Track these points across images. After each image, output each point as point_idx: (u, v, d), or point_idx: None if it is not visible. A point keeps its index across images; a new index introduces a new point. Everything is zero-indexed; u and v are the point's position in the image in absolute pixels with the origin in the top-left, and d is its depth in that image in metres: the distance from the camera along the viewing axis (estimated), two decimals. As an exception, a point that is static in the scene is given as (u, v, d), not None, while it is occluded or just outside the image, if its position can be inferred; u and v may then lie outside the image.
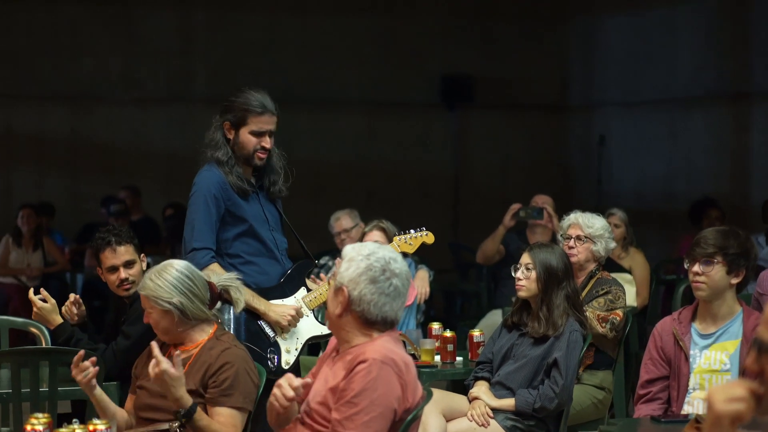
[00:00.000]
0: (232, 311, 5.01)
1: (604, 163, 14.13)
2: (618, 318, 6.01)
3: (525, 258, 5.57)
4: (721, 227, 4.97)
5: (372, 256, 3.77)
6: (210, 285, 4.56)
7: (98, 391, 4.36)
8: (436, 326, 6.13)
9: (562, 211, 9.14)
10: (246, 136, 5.32)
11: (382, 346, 3.74)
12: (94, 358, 4.32)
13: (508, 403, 5.36)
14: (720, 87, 12.78)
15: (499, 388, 5.45)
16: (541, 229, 8.93)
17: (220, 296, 4.61)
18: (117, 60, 13.56)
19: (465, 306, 11.48)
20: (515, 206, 8.83)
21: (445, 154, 14.50)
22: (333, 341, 5.75)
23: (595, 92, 14.53)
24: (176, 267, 4.49)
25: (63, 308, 5.48)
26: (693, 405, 4.75)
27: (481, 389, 5.42)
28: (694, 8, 13.04)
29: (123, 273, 5.45)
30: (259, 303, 5.16)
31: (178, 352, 4.39)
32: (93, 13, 13.46)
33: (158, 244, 11.98)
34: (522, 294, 5.53)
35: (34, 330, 5.63)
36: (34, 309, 5.32)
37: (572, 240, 6.29)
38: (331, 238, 9.82)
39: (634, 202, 13.27)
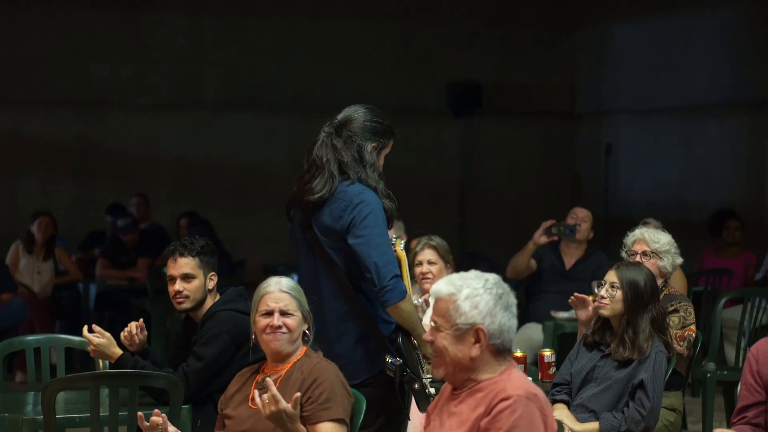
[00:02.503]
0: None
1: (611, 171, 14.03)
2: (693, 335, 5.89)
3: (611, 276, 5.42)
4: None
5: (489, 284, 3.65)
6: None
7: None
8: (503, 345, 5.95)
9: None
10: (381, 160, 5.00)
11: (520, 380, 3.63)
12: (157, 411, 4.17)
13: (592, 427, 5.21)
14: (736, 95, 12.70)
15: (581, 411, 5.30)
16: (576, 244, 8.81)
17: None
18: (128, 65, 13.36)
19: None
20: (548, 222, 8.67)
21: (454, 161, 14.37)
22: None
23: (605, 100, 14.43)
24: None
25: (122, 334, 5.24)
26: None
27: (563, 413, 5.27)
28: (710, 16, 12.95)
29: (178, 285, 5.25)
30: (421, 331, 4.80)
31: (297, 395, 4.19)
32: (104, 18, 13.27)
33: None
34: (605, 313, 5.39)
35: (93, 350, 5.42)
36: (91, 347, 5.08)
37: (638, 256, 6.15)
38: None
39: (646, 211, 13.17)
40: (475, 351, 3.61)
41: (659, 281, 6.10)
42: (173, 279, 5.29)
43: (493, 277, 3.68)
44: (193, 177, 13.52)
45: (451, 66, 14.11)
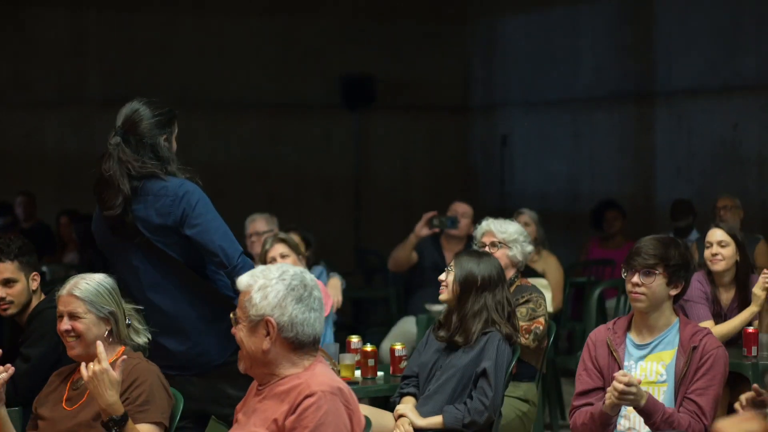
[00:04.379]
0: None
1: (506, 164, 14.02)
2: (541, 327, 5.83)
3: (451, 261, 5.37)
4: (660, 236, 4.76)
5: (286, 275, 3.56)
6: None
7: (3, 411, 4.08)
8: (355, 339, 5.88)
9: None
10: (174, 144, 4.98)
11: (324, 375, 3.54)
12: (8, 365, 4.07)
13: (436, 420, 5.10)
14: (623, 87, 12.74)
15: (429, 402, 5.20)
16: (457, 239, 8.76)
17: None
18: (6, 62, 13.05)
19: (371, 313, 11.26)
20: (429, 214, 8.61)
21: (346, 156, 14.27)
22: None
23: (497, 93, 14.41)
24: (107, 281, 4.30)
25: None
26: (630, 419, 4.57)
27: (407, 407, 5.16)
28: (596, 8, 12.98)
29: (0, 291, 5.08)
30: None
31: (124, 357, 4.07)
32: (-19, 13, 12.98)
33: (53, 251, 11.54)
34: (442, 297, 5.36)
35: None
36: None
37: (487, 247, 6.11)
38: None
39: (539, 203, 13.17)
40: (266, 344, 3.52)
41: (510, 272, 6.07)
42: None
43: (294, 270, 3.60)
44: (77, 175, 13.21)
45: (340, 60, 13.99)
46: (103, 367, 3.88)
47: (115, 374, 3.91)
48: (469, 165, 14.68)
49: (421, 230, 8.53)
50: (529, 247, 6.18)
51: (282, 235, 6.85)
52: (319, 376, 3.52)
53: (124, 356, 4.09)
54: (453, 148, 14.62)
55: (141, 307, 4.52)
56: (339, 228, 13.95)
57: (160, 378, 4.21)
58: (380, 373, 5.78)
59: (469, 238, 8.91)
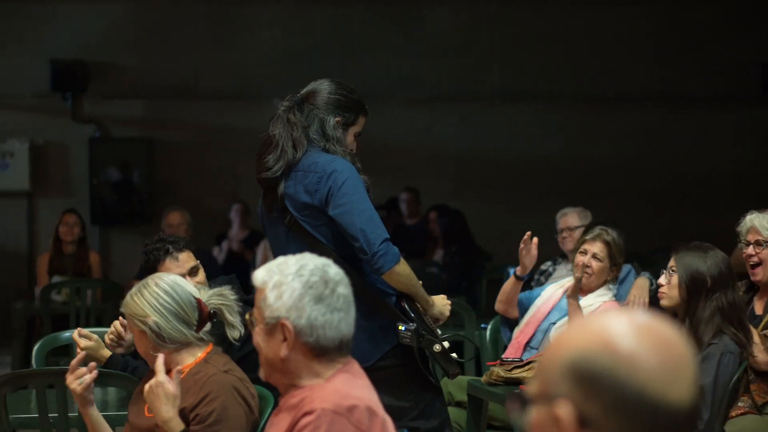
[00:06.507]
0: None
1: None
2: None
3: (671, 261, 4.79)
4: None
5: (304, 271, 3.06)
6: (199, 303, 3.97)
7: (94, 410, 3.91)
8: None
9: None
10: (350, 138, 4.68)
11: (335, 391, 3.01)
12: (93, 364, 3.91)
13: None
14: None
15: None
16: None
17: (210, 317, 4.01)
18: (404, 59, 13.21)
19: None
20: None
21: (735, 151, 13.37)
22: None
23: None
24: (158, 282, 3.95)
25: (105, 337, 4.86)
26: None
27: None
28: None
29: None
30: (423, 293, 4.56)
31: (178, 368, 3.77)
32: (377, 13, 13.24)
33: (423, 252, 11.49)
34: (663, 303, 4.78)
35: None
36: (78, 349, 4.72)
37: (751, 247, 5.29)
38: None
39: None
40: (284, 350, 3.05)
41: (783, 273, 5.39)
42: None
43: (315, 263, 3.11)
44: (473, 169, 13.26)
45: (724, 50, 13.19)
46: (158, 380, 3.62)
47: (172, 388, 3.63)
48: None
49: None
50: None
51: (611, 236, 5.83)
52: (328, 391, 3.02)
53: (180, 366, 3.78)
54: None
55: (239, 301, 4.18)
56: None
57: (239, 391, 3.84)
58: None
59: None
